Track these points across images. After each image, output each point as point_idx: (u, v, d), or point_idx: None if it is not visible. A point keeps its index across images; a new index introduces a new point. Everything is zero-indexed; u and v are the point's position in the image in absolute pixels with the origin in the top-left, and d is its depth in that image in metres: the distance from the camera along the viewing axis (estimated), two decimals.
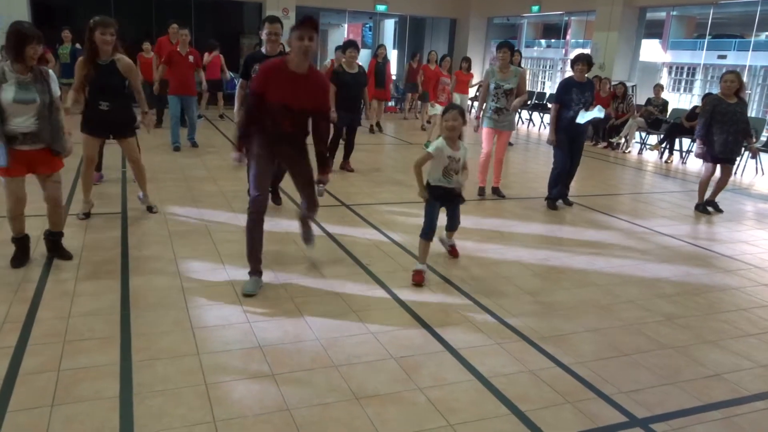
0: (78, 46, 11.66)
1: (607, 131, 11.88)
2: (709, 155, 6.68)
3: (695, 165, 10.42)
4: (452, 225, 4.53)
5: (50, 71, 3.92)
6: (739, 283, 4.62)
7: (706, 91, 11.22)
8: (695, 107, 10.71)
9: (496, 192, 6.96)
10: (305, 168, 4.00)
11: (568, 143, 6.48)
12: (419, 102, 13.93)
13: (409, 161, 9.10)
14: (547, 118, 13.10)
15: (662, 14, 16.78)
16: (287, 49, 4.37)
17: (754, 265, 5.05)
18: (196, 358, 3.00)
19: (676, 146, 10.81)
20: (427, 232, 4.24)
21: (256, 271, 3.92)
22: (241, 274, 4.14)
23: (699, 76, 17.22)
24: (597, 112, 6.36)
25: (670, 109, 11.59)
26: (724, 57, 18.39)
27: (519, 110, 10.83)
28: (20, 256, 4.07)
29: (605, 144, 11.78)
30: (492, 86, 6.56)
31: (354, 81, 7.48)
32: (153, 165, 6.97)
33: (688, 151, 10.71)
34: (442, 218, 4.44)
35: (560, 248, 5.22)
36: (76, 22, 14.75)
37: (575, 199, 7.07)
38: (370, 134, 11.48)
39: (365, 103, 8.18)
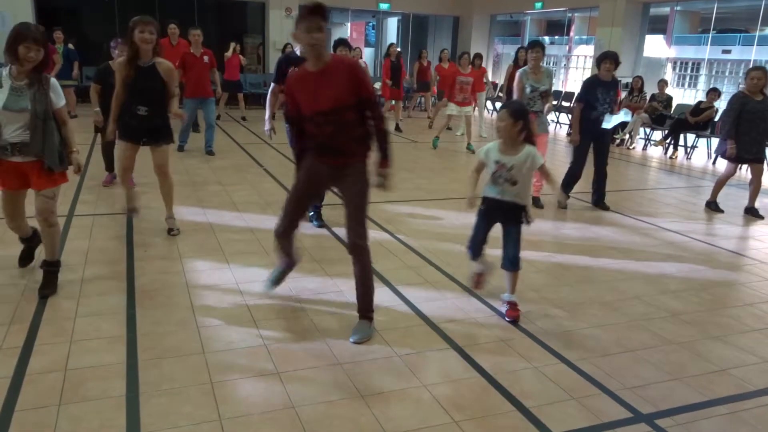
0: (71, 46, 11.64)
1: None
2: (737, 154, 6.42)
3: (700, 161, 10.39)
4: (506, 256, 3.63)
5: (52, 79, 3.55)
6: (744, 279, 4.61)
7: (711, 86, 11.16)
8: (700, 102, 10.68)
9: (536, 202, 6.39)
10: (357, 188, 3.33)
11: (591, 143, 6.32)
12: (429, 101, 13.90)
13: (415, 159, 9.13)
14: (553, 115, 13.07)
15: (666, 9, 16.71)
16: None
17: (759, 261, 5.03)
18: (201, 357, 3.02)
19: (681, 142, 10.78)
20: (470, 248, 3.78)
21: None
22: (246, 273, 4.16)
23: (703, 71, 17.15)
24: (624, 116, 6.18)
25: (674, 105, 11.55)
26: (728, 52, 18.32)
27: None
28: (27, 256, 4.06)
29: (610, 140, 11.73)
30: (528, 90, 6.07)
31: None
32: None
33: (693, 147, 10.68)
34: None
35: (564, 245, 5.22)
36: (79, 23, 14.89)
37: (581, 195, 7.06)
38: (396, 132, 11.44)
39: None
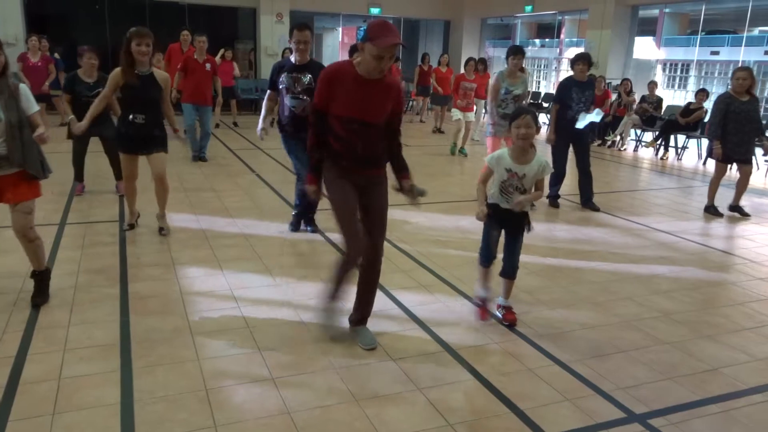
0: (56, 56, 11.54)
1: (601, 129, 11.93)
2: (724, 155, 6.44)
3: (691, 161, 10.47)
4: (506, 265, 3.63)
5: (21, 85, 3.40)
6: (735, 278, 4.65)
7: (700, 87, 11.25)
8: (689, 103, 10.76)
9: None
10: (384, 201, 3.23)
11: (569, 143, 6.44)
12: (425, 105, 13.93)
13: (409, 164, 9.07)
14: (543, 117, 13.14)
15: (655, 12, 16.82)
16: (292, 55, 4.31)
17: (749, 260, 5.07)
18: (196, 364, 3.02)
19: (672, 143, 10.85)
20: (483, 257, 3.69)
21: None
22: (240, 279, 4.16)
23: (693, 72, 17.27)
24: (595, 116, 6.31)
25: (664, 106, 11.64)
26: (717, 53, 18.46)
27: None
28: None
29: (600, 142, 11.82)
30: (502, 91, 6.25)
31: None
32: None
33: (684, 148, 10.76)
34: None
35: (556, 247, 5.24)
36: (69, 30, 14.85)
37: (571, 197, 7.10)
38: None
39: None
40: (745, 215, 6.55)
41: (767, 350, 3.45)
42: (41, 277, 3.69)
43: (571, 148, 6.59)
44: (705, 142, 9.72)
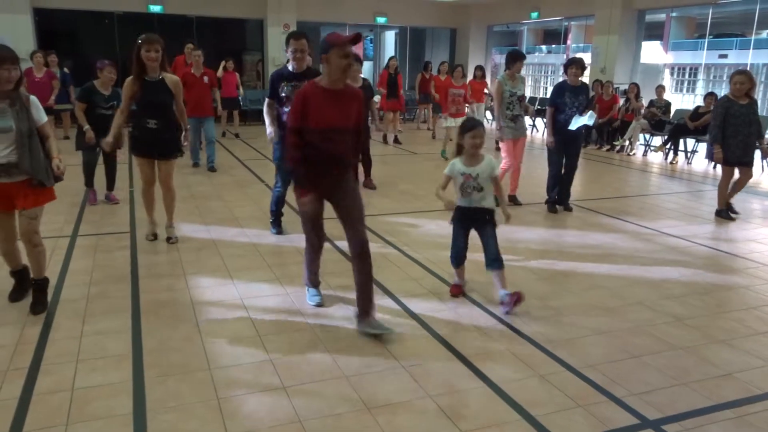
0: (66, 70, 11.67)
1: (610, 134, 11.90)
2: (725, 159, 6.45)
3: (701, 165, 10.41)
4: (488, 256, 3.89)
5: (32, 97, 3.58)
6: (747, 282, 4.61)
7: (709, 90, 11.20)
8: (698, 107, 10.71)
9: (513, 200, 6.93)
10: (356, 196, 3.62)
11: (563, 146, 6.55)
12: (431, 113, 13.97)
13: (415, 171, 9.17)
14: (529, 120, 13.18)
15: (662, 16, 16.81)
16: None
17: (762, 263, 5.03)
18: (207, 373, 3.03)
19: (681, 147, 10.80)
20: (453, 257, 4.08)
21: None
22: (250, 288, 4.18)
23: (701, 76, 17.20)
24: (587, 119, 6.42)
25: (673, 110, 11.59)
26: (725, 56, 18.39)
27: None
28: (18, 290, 3.88)
29: (609, 147, 11.79)
30: (507, 94, 6.61)
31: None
32: None
33: (693, 152, 10.70)
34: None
35: (567, 252, 5.22)
36: (79, 45, 15.03)
37: (580, 202, 7.08)
38: (383, 145, 11.55)
39: (373, 115, 8.13)
40: (735, 213, 6.63)
41: None
42: (40, 286, 3.77)
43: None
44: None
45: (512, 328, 3.65)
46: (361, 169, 7.44)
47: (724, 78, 18.30)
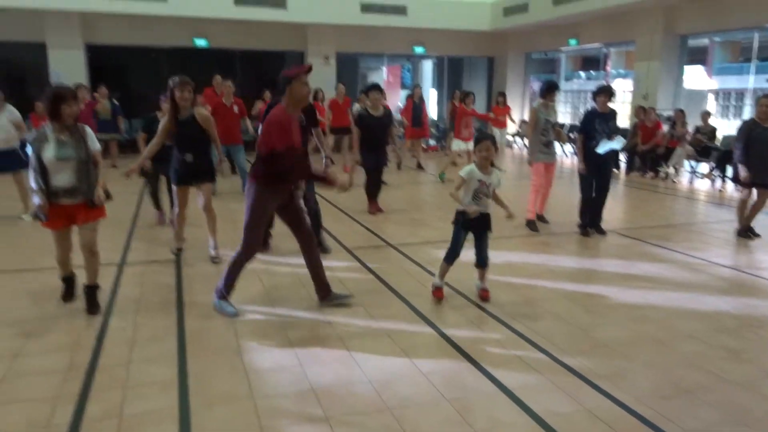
0: (115, 102, 12.16)
1: (654, 161, 11.67)
2: (747, 180, 6.61)
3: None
4: (480, 258, 4.54)
5: (87, 128, 4.10)
6: None
7: None
8: None
9: (542, 219, 7.24)
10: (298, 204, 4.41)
11: (595, 171, 6.66)
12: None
13: (448, 199, 9.10)
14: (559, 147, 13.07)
15: (705, 41, 16.52)
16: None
17: None
18: (251, 402, 3.04)
19: (729, 173, 10.50)
20: (451, 257, 4.50)
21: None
22: (290, 314, 4.21)
23: (748, 101, 16.77)
24: (615, 144, 6.52)
25: (719, 136, 11.31)
26: None
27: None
28: (69, 292, 4.45)
29: (653, 174, 11.55)
30: (541, 121, 6.92)
31: (378, 123, 7.61)
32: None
33: (733, 179, 10.39)
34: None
35: (611, 281, 5.11)
36: (127, 78, 15.63)
37: (624, 230, 6.94)
38: (398, 171, 11.77)
39: (393, 141, 8.51)
40: (755, 236, 6.70)
41: None
42: (92, 291, 4.28)
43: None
44: None
45: (556, 359, 3.57)
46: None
47: None
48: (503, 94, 12.42)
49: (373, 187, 7.85)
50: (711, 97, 18.13)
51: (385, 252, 5.96)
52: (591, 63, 22.03)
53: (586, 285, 5.03)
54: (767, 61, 19.25)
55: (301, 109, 4.16)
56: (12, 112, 7.08)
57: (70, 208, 4.03)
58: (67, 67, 13.38)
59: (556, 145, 7.33)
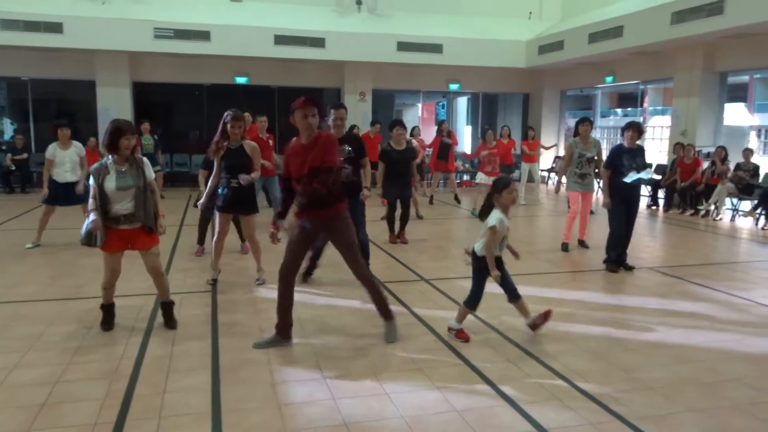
0: (156, 137, 12.55)
1: (693, 198, 11.43)
2: None
3: None
4: (510, 291, 4.39)
5: (144, 159, 4.42)
6: None
7: None
8: None
9: (582, 244, 7.86)
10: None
11: (623, 207, 6.64)
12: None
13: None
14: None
15: (745, 78, 16.31)
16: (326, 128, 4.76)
17: None
18: None
19: None
20: (473, 302, 4.41)
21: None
22: (324, 348, 4.20)
23: None
24: (644, 174, 6.54)
25: (762, 174, 11.03)
26: None
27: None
28: (108, 320, 4.56)
29: (693, 211, 11.30)
30: (576, 155, 7.49)
31: (401, 157, 8.04)
32: (238, 242, 7.31)
33: None
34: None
35: (653, 321, 4.96)
36: (171, 114, 16.17)
37: (664, 268, 6.77)
38: (430, 205, 11.86)
39: (414, 175, 8.98)
40: None
41: None
42: (169, 306, 4.65)
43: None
44: None
45: (597, 401, 3.46)
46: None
47: None
48: (532, 129, 12.44)
49: (393, 218, 8.12)
50: (753, 134, 17.76)
51: (419, 286, 5.93)
52: (628, 99, 21.88)
53: (625, 323, 4.90)
54: None
55: (347, 141, 4.45)
56: (79, 147, 7.64)
57: (127, 233, 4.33)
58: (114, 103, 13.93)
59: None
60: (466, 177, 16.18)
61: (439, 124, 13.08)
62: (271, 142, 9.14)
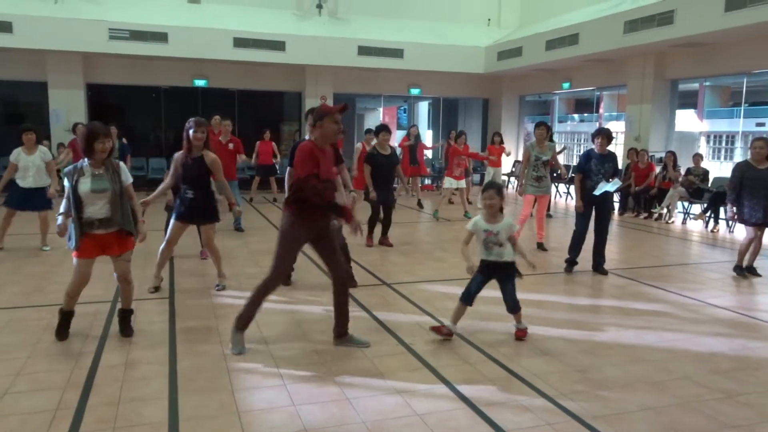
0: (124, 141, 12.31)
1: (647, 202, 11.78)
2: (745, 219, 6.83)
3: (743, 233, 10.14)
4: (507, 304, 4.51)
5: (121, 163, 4.38)
6: None
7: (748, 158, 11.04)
8: None
9: (540, 246, 8.06)
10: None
11: (592, 210, 6.82)
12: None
13: (445, 237, 9.17)
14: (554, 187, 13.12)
15: (695, 85, 16.88)
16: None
17: None
18: None
19: (722, 215, 10.58)
20: (464, 296, 4.49)
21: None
22: (284, 355, 4.16)
23: (739, 143, 17.05)
24: (611, 186, 6.69)
25: (711, 178, 11.44)
26: (762, 124, 18.27)
27: (556, 183, 11.67)
28: (64, 329, 4.41)
29: (646, 214, 11.64)
30: (533, 158, 7.98)
31: (387, 161, 8.07)
32: (199, 247, 7.19)
33: (728, 220, 10.46)
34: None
35: (607, 322, 5.09)
36: (127, 117, 15.79)
37: (619, 270, 6.95)
38: (418, 208, 12.11)
39: (401, 179, 8.98)
40: (756, 275, 6.87)
41: None
42: (127, 314, 4.55)
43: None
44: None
45: (553, 401, 3.53)
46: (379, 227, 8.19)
47: None
48: (499, 134, 12.76)
49: (375, 221, 8.13)
50: (702, 139, 18.41)
51: (380, 291, 5.94)
52: (584, 105, 22.40)
53: (582, 324, 5.01)
54: (757, 105, 19.66)
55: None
56: (45, 152, 7.47)
57: (101, 238, 4.24)
58: (67, 105, 13.55)
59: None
60: (427, 181, 16.31)
61: (409, 128, 13.33)
62: (231, 145, 8.95)
